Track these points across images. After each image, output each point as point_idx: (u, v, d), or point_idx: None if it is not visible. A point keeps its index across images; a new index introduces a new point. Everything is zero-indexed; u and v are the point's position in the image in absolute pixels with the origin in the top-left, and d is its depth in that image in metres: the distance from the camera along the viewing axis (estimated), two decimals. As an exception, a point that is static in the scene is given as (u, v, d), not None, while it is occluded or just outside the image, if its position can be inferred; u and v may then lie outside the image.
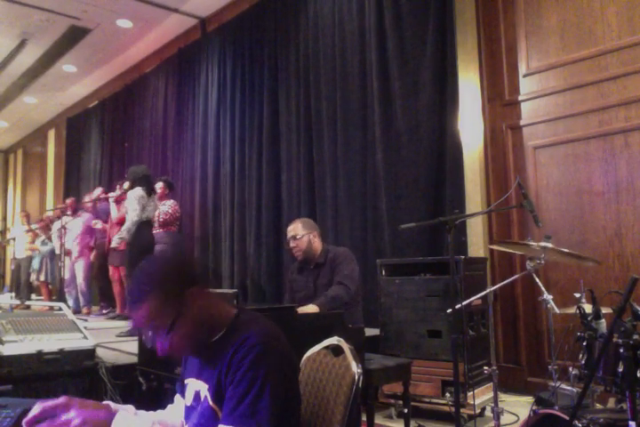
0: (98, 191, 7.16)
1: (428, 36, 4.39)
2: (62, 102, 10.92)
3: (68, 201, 7.70)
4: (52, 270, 8.08)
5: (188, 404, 1.34)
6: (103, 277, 7.11)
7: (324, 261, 3.35)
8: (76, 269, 7.19)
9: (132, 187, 4.74)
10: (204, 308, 1.27)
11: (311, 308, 3.00)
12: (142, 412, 1.38)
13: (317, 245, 3.42)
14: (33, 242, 8.61)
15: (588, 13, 3.70)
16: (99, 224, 6.81)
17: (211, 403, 1.24)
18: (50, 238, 8.23)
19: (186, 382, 1.38)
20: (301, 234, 3.37)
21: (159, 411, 1.45)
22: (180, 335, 1.24)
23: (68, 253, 7.02)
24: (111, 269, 6.43)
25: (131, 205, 4.62)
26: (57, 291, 7.53)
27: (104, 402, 1.33)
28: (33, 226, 8.86)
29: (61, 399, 1.23)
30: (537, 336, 3.80)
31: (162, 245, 5.31)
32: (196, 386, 1.31)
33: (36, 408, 1.20)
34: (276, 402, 1.17)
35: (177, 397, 1.45)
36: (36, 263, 8.36)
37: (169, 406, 1.47)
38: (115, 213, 6.22)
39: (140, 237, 4.62)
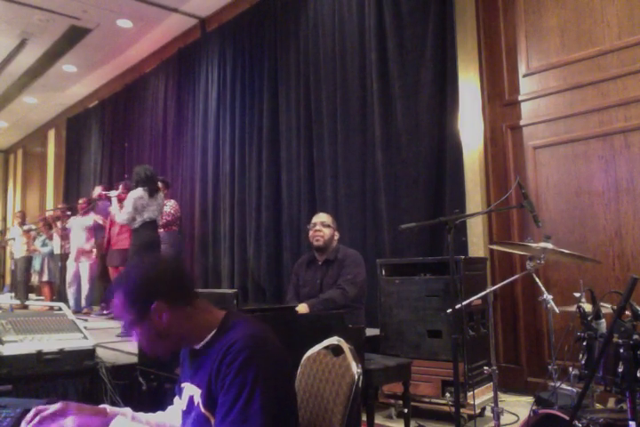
0: (98, 190, 7.16)
1: (428, 36, 4.39)
2: (62, 102, 10.92)
3: (81, 201, 7.70)
4: (54, 270, 8.09)
5: (184, 408, 1.33)
6: (105, 277, 7.13)
7: (334, 260, 3.40)
8: (81, 270, 7.19)
9: (135, 187, 4.77)
10: (171, 322, 1.26)
11: (302, 307, 3.01)
12: (140, 414, 1.38)
13: (334, 242, 3.52)
14: (30, 243, 8.62)
15: (588, 13, 3.70)
16: (100, 220, 6.82)
17: (202, 409, 1.23)
18: (51, 237, 8.23)
19: (182, 385, 1.37)
20: (329, 223, 3.51)
21: (158, 412, 1.44)
22: (142, 338, 1.28)
23: (82, 251, 7.07)
24: (111, 270, 6.43)
25: (126, 206, 4.67)
26: (58, 291, 7.55)
27: (101, 406, 1.33)
28: (31, 226, 8.87)
29: (58, 405, 1.23)
30: (537, 336, 3.80)
31: (163, 246, 5.32)
32: (191, 391, 1.30)
33: (36, 419, 1.20)
34: (267, 406, 1.15)
35: (176, 398, 1.44)
36: (37, 264, 8.37)
37: (169, 407, 1.46)
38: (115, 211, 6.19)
39: (143, 238, 4.63)
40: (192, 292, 1.33)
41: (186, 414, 1.32)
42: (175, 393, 1.45)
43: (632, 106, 3.46)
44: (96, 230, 7.21)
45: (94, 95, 10.27)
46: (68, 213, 7.41)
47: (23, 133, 13.16)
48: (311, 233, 3.51)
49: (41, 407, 1.23)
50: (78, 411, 1.24)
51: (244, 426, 1.12)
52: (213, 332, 1.29)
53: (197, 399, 1.26)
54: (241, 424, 1.12)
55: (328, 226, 3.48)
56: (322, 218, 3.55)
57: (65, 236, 7.10)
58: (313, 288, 3.35)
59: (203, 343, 1.31)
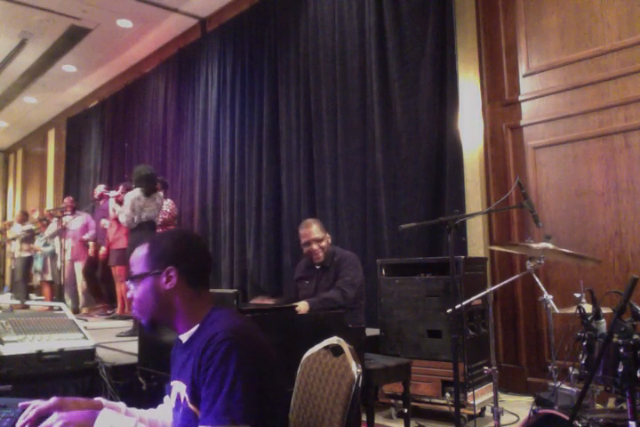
0: (101, 188, 7.16)
1: (427, 36, 4.39)
2: (62, 102, 10.92)
3: (66, 200, 7.70)
4: (55, 270, 8.09)
5: (173, 406, 1.34)
6: (95, 276, 7.14)
7: (330, 263, 3.32)
8: (76, 270, 7.19)
9: (134, 187, 4.78)
10: (172, 291, 1.31)
11: (302, 304, 2.99)
12: (133, 409, 1.39)
13: (329, 246, 3.40)
14: (29, 243, 8.63)
15: (588, 13, 3.70)
16: (107, 224, 6.81)
17: (189, 405, 1.24)
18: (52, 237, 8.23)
19: (172, 384, 1.38)
20: (322, 236, 3.32)
21: (150, 409, 1.45)
22: (139, 292, 1.33)
23: (77, 251, 7.07)
24: (114, 269, 6.43)
25: (124, 207, 4.68)
26: (58, 291, 7.55)
27: (96, 398, 1.34)
28: (31, 226, 8.87)
29: (53, 400, 1.23)
30: (537, 336, 3.80)
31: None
32: (178, 388, 1.31)
33: (31, 412, 1.21)
34: (249, 397, 1.15)
35: (166, 397, 1.45)
36: (38, 264, 8.36)
37: (159, 406, 1.47)
38: (113, 212, 6.21)
39: (141, 238, 4.62)
40: (205, 280, 1.39)
41: (175, 411, 1.33)
42: (166, 392, 1.46)
43: (632, 106, 3.46)
44: (87, 230, 7.23)
45: (94, 95, 10.27)
46: (68, 212, 7.40)
47: (23, 133, 13.16)
48: (306, 251, 3.35)
49: (36, 403, 1.24)
50: (73, 405, 1.25)
51: (226, 418, 1.13)
52: (197, 326, 1.32)
53: (183, 395, 1.27)
54: (223, 416, 1.13)
55: (321, 240, 3.31)
56: (313, 234, 3.30)
57: (62, 235, 7.09)
58: (309, 292, 3.34)
59: (188, 337, 1.33)
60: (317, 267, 3.39)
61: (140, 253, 1.36)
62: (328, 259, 3.34)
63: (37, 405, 1.23)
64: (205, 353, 1.19)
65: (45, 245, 8.29)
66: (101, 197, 6.80)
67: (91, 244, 7.17)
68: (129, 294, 1.36)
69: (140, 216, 4.65)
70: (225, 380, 1.15)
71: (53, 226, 7.46)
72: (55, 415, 1.18)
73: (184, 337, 1.34)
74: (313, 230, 3.33)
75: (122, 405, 1.37)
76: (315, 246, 3.30)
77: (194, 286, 1.34)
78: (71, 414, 1.20)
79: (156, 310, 1.33)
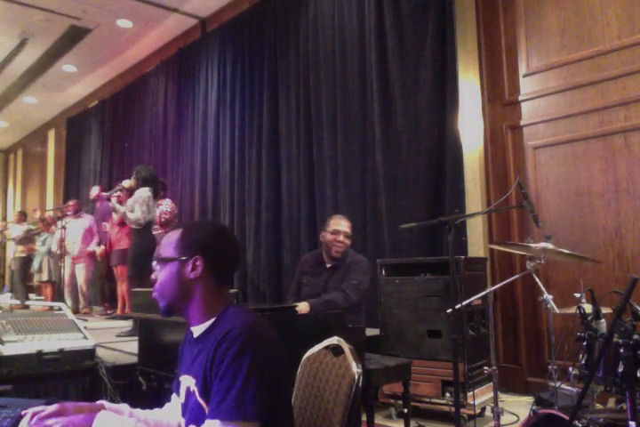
0: (95, 189, 7.14)
1: (427, 36, 4.39)
2: (62, 102, 10.92)
3: (71, 202, 7.70)
4: (54, 270, 8.08)
5: (183, 401, 1.34)
6: (106, 277, 7.14)
7: (341, 264, 3.35)
8: (77, 271, 7.19)
9: (137, 186, 4.72)
10: (195, 281, 1.32)
11: (303, 305, 3.00)
12: (138, 410, 1.38)
13: (348, 248, 3.46)
14: (27, 244, 8.63)
15: (588, 13, 3.70)
16: (107, 227, 6.79)
17: (198, 398, 1.24)
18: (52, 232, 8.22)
19: (180, 379, 1.38)
20: (350, 235, 3.42)
21: (156, 409, 1.45)
22: (163, 275, 1.34)
23: (80, 252, 7.06)
24: (115, 269, 6.44)
25: (138, 205, 4.58)
26: (58, 291, 7.55)
27: (98, 402, 1.33)
28: (31, 226, 8.88)
29: (54, 407, 1.23)
30: (537, 336, 3.80)
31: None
32: (188, 382, 1.31)
33: (33, 420, 1.20)
34: (261, 394, 1.16)
35: (173, 396, 1.45)
36: (35, 264, 8.37)
37: (166, 404, 1.47)
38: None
39: (143, 238, 4.60)
40: (229, 277, 1.40)
41: (184, 405, 1.32)
42: (173, 390, 1.46)
43: (632, 106, 3.46)
44: (92, 232, 7.22)
45: (94, 95, 10.27)
46: (69, 213, 7.40)
47: (23, 133, 13.16)
48: (331, 239, 3.35)
49: (37, 409, 1.23)
50: (75, 411, 1.24)
51: (238, 413, 1.13)
52: (212, 321, 1.32)
53: (193, 388, 1.27)
54: (234, 412, 1.13)
55: (349, 237, 3.40)
56: (347, 228, 3.41)
57: (62, 235, 7.10)
58: (315, 289, 3.33)
59: (201, 331, 1.33)
60: (328, 265, 3.40)
61: (173, 237, 1.36)
62: (341, 259, 3.36)
63: (37, 411, 1.22)
64: (220, 348, 1.19)
65: (43, 244, 8.29)
66: (99, 197, 6.79)
67: (96, 246, 7.18)
68: (153, 276, 1.37)
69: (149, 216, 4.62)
70: (238, 375, 1.15)
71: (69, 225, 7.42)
72: (52, 420, 1.18)
73: (196, 331, 1.35)
74: (347, 223, 3.46)
75: (125, 407, 1.37)
76: (342, 238, 3.37)
77: (217, 281, 1.35)
78: (68, 418, 1.19)
79: (176, 296, 1.33)
